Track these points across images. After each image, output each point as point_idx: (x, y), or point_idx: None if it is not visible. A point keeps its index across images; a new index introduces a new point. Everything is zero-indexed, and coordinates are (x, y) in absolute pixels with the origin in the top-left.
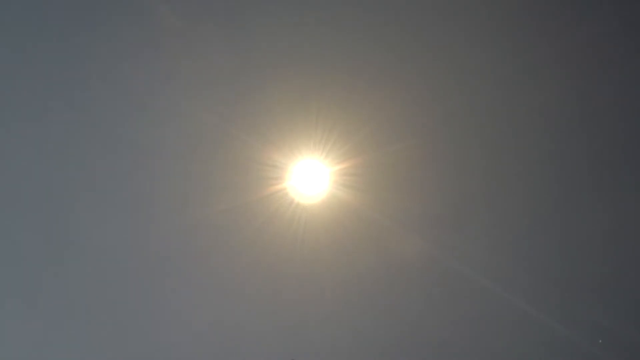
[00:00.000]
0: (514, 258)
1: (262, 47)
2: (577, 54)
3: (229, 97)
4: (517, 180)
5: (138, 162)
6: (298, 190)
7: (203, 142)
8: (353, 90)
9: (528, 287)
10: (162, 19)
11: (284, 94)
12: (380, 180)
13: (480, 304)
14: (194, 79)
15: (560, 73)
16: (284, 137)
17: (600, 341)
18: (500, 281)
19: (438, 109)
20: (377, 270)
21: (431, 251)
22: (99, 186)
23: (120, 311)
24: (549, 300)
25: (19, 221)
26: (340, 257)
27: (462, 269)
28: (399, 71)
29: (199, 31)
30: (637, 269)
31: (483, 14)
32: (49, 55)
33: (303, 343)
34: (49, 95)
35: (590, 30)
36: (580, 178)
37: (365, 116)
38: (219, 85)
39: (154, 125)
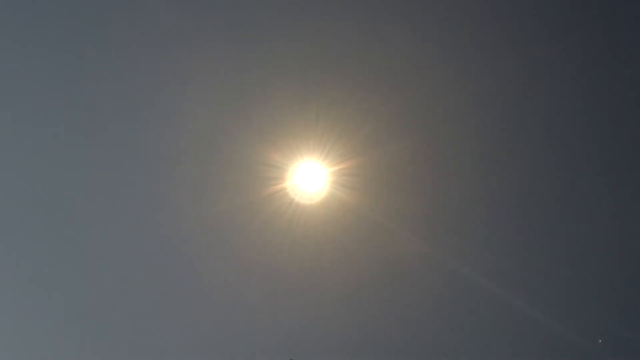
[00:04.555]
0: (514, 258)
1: (262, 48)
2: (578, 55)
3: (229, 98)
4: (517, 181)
5: (138, 163)
6: (298, 190)
7: (203, 142)
8: (352, 92)
9: (528, 287)
10: (162, 19)
11: (284, 95)
12: (378, 180)
13: (479, 303)
14: (194, 80)
15: (561, 74)
16: (283, 138)
17: (600, 341)
18: (500, 281)
19: (437, 110)
20: (376, 270)
21: (430, 251)
22: (99, 187)
23: (119, 311)
24: (548, 300)
25: (19, 222)
26: (340, 257)
27: (460, 269)
28: (397, 72)
29: (199, 32)
30: (638, 269)
31: (482, 14)
32: (49, 56)
33: (302, 342)
34: (49, 96)
35: (591, 30)
36: (580, 178)
37: (364, 117)
38: (220, 86)
39: (154, 126)
